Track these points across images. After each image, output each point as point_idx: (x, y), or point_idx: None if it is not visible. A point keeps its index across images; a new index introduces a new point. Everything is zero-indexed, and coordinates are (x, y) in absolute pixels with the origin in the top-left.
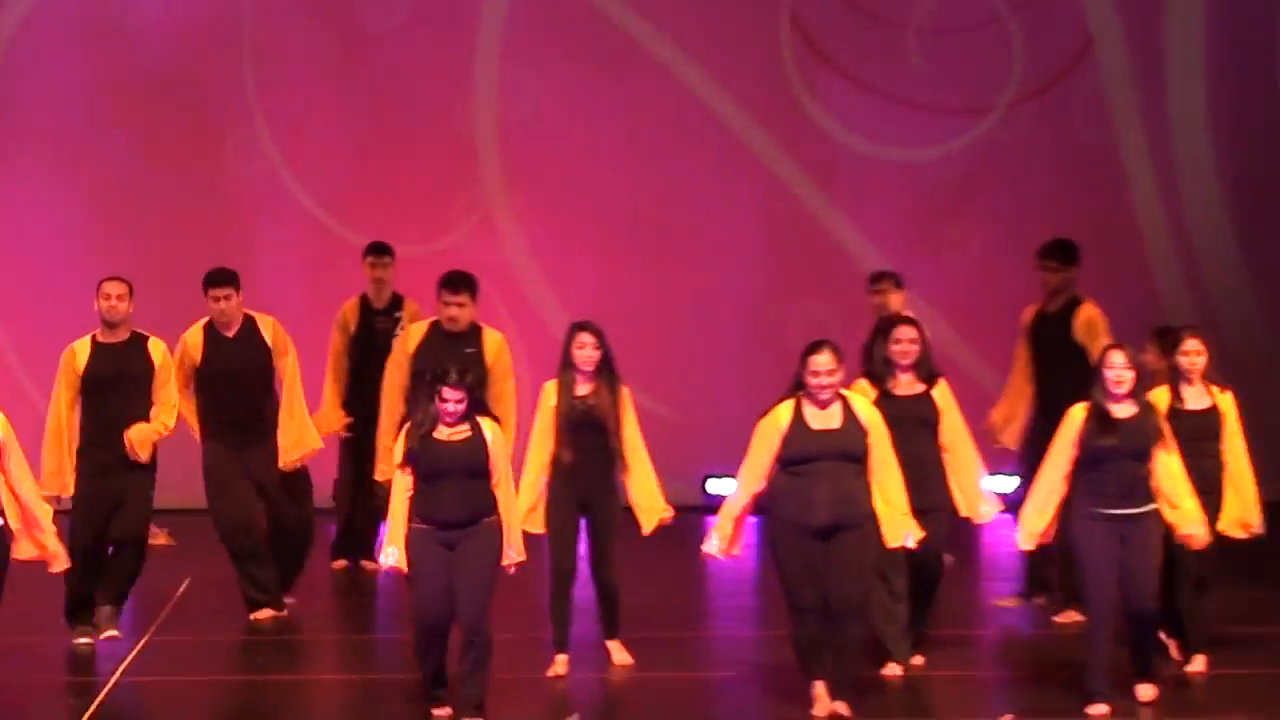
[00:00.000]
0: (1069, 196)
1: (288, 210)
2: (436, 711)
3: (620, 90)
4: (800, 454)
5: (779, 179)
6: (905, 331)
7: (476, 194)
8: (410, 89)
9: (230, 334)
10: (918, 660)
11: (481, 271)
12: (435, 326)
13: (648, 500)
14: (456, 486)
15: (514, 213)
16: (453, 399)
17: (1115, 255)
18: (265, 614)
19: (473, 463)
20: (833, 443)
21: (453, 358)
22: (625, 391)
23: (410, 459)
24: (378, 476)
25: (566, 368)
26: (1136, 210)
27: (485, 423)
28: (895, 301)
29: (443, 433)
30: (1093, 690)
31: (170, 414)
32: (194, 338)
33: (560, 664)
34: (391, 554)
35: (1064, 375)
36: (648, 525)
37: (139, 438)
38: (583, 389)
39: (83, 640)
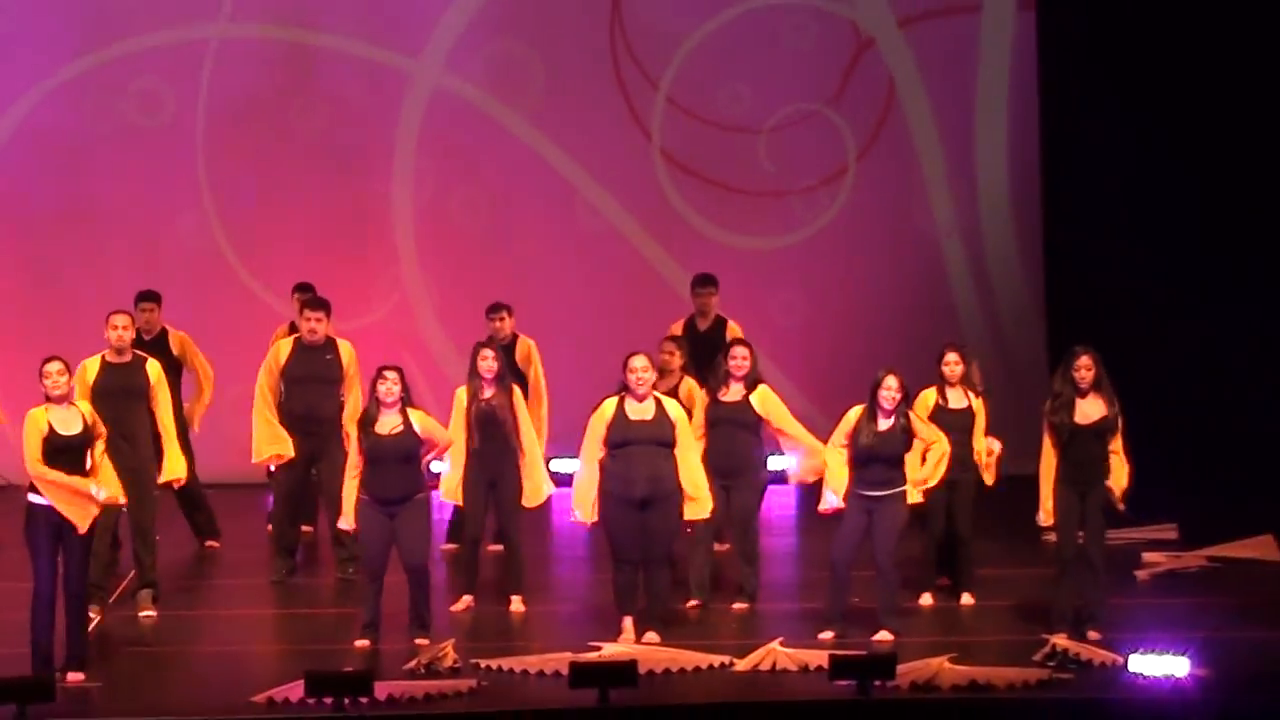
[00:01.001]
0: (890, 264)
1: (230, 286)
2: (358, 642)
3: (517, 187)
4: (621, 439)
5: (647, 262)
6: (740, 350)
7: (396, 275)
8: (335, 183)
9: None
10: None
11: (400, 342)
12: (298, 341)
13: (534, 480)
14: (394, 470)
15: (426, 291)
16: (390, 378)
17: (923, 292)
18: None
19: (405, 451)
20: (645, 430)
21: (315, 363)
22: (519, 393)
23: (360, 446)
24: (253, 458)
25: (473, 377)
26: (946, 261)
27: (415, 415)
28: (509, 326)
29: (383, 426)
30: (826, 619)
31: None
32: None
33: (464, 602)
34: (346, 521)
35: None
36: (531, 501)
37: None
38: (486, 392)
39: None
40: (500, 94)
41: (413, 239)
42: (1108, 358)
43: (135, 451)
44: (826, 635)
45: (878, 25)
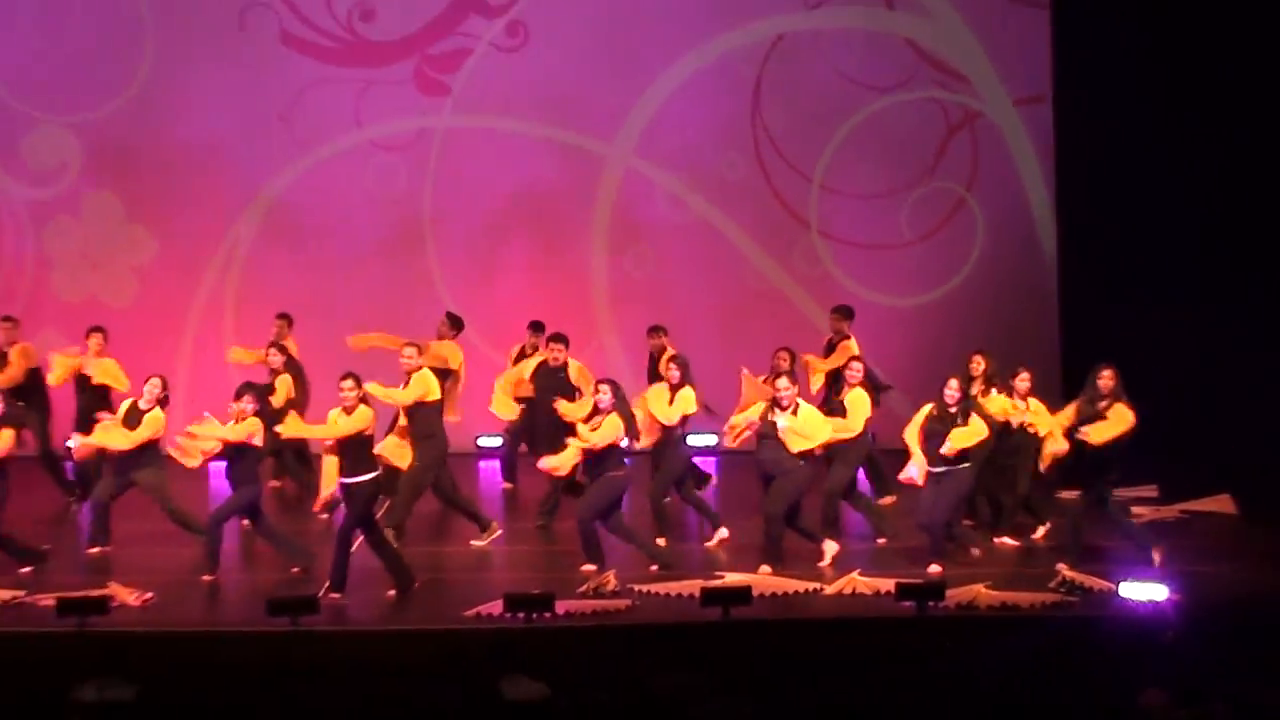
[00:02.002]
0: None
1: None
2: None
3: (694, 253)
4: (763, 434)
5: (800, 312)
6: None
7: (591, 321)
8: (540, 249)
9: None
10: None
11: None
12: (543, 363)
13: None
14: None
15: (615, 335)
16: (599, 389)
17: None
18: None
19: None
20: (775, 429)
21: (553, 379)
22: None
23: None
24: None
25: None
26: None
27: (607, 420)
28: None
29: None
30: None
31: None
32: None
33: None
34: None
35: (834, 375)
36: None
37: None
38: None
39: None
40: (681, 175)
41: (606, 297)
42: (1117, 346)
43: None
44: (936, 569)
45: (995, 107)
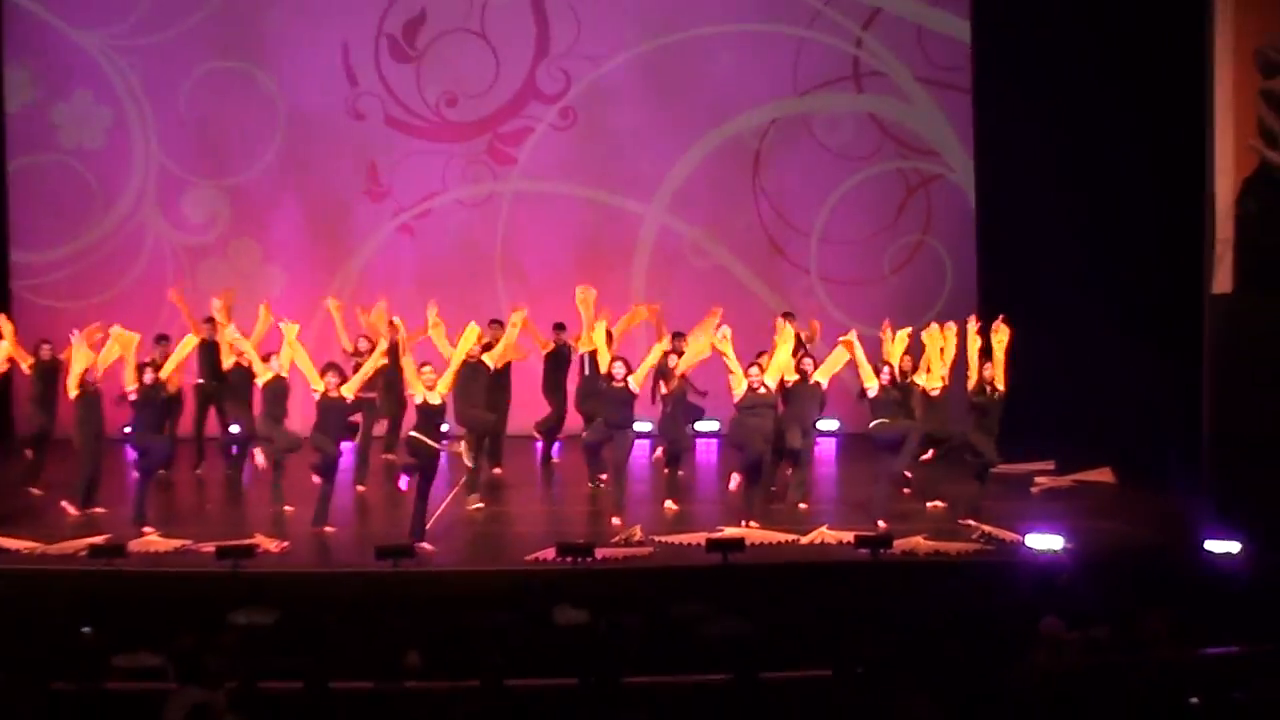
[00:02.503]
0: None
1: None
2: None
3: (713, 291)
4: (750, 404)
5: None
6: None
7: (628, 343)
8: (587, 283)
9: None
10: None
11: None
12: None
13: None
14: (608, 407)
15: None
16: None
17: None
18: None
19: (613, 397)
20: (764, 399)
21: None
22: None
23: None
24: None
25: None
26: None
27: (632, 379)
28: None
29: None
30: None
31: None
32: None
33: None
34: None
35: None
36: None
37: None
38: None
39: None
40: (703, 229)
41: (641, 327)
42: (1026, 354)
43: (470, 408)
44: (881, 525)
45: (958, 168)
